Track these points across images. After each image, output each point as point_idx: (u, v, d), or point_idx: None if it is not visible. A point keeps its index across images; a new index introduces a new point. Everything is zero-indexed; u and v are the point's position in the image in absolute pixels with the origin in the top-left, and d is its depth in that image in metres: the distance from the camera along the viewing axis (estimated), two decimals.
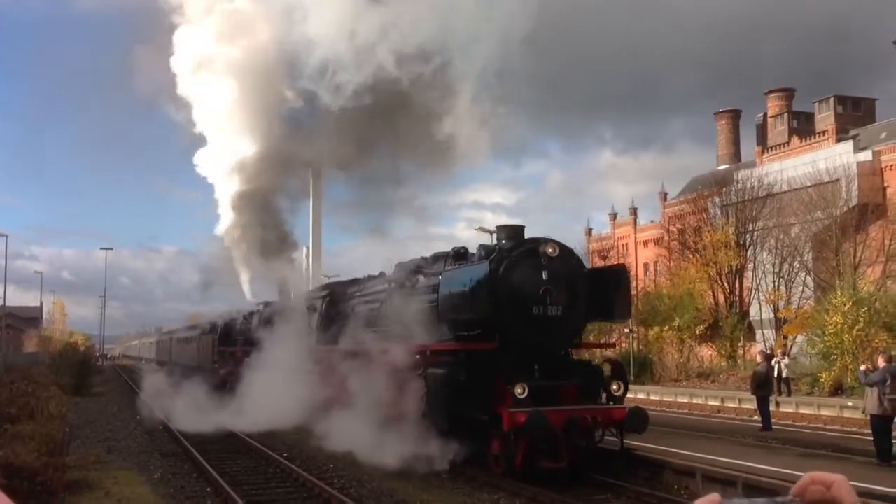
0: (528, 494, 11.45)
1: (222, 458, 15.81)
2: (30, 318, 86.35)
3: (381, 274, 19.57)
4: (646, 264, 66.01)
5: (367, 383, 15.51)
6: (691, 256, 45.98)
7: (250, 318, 29.73)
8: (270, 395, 20.25)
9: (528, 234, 14.74)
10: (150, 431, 20.96)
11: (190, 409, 22.02)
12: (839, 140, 56.11)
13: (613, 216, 76.60)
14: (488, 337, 13.22)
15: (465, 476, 13.21)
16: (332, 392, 17.63)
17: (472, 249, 15.62)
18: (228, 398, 23.22)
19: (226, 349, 31.94)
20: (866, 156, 51.28)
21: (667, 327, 39.06)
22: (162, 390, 27.86)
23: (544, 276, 13.30)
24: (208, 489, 12.88)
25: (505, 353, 13.14)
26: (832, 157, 49.77)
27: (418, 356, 14.67)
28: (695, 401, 28.70)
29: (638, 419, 13.01)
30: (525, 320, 13.24)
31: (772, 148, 64.69)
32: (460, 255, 15.43)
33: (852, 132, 57.60)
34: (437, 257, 16.42)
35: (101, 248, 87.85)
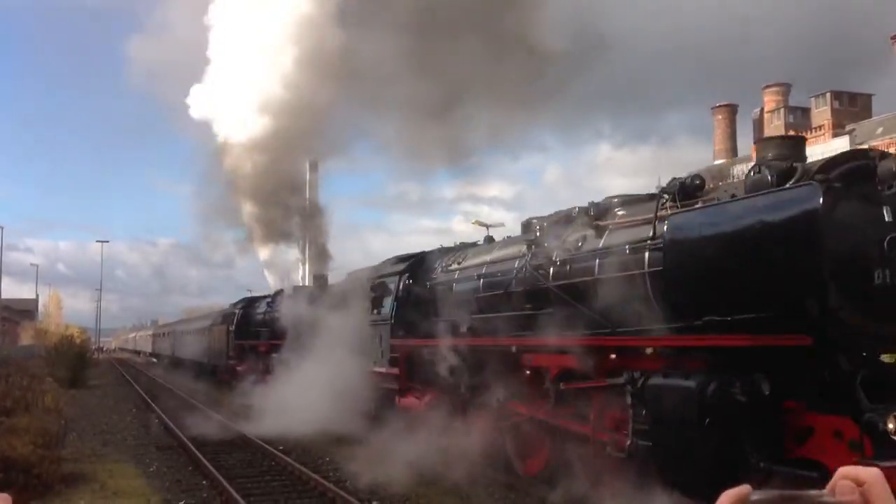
0: (525, 490, 11.42)
1: (218, 451, 15.79)
2: (25, 311, 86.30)
3: (488, 240, 15.23)
4: None
5: (514, 396, 11.58)
6: None
7: (275, 306, 25.52)
8: (332, 404, 16.79)
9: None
10: (146, 424, 20.95)
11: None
12: (835, 135, 56.17)
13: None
14: (782, 327, 7.31)
15: (462, 472, 13.11)
16: (430, 406, 13.98)
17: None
18: (249, 398, 21.39)
19: (244, 342, 28.42)
20: None
21: None
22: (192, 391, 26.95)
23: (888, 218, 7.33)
24: (204, 482, 12.87)
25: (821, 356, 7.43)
26: (828, 152, 49.78)
27: (613, 356, 9.51)
28: None
29: None
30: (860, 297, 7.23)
31: None
32: (691, 190, 9.08)
33: (848, 127, 57.65)
34: (601, 206, 10.63)
35: (97, 241, 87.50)
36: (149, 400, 26.74)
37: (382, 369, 16.31)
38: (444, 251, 16.06)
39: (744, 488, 1.12)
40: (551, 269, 11.08)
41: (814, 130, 60.68)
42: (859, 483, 1.11)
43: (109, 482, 12.64)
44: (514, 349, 11.43)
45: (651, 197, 9.95)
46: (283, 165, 29.16)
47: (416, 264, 16.27)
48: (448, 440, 12.46)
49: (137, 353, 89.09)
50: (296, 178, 31.15)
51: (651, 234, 9.08)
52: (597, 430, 9.58)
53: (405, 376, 15.48)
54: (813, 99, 64.69)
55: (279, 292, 26.79)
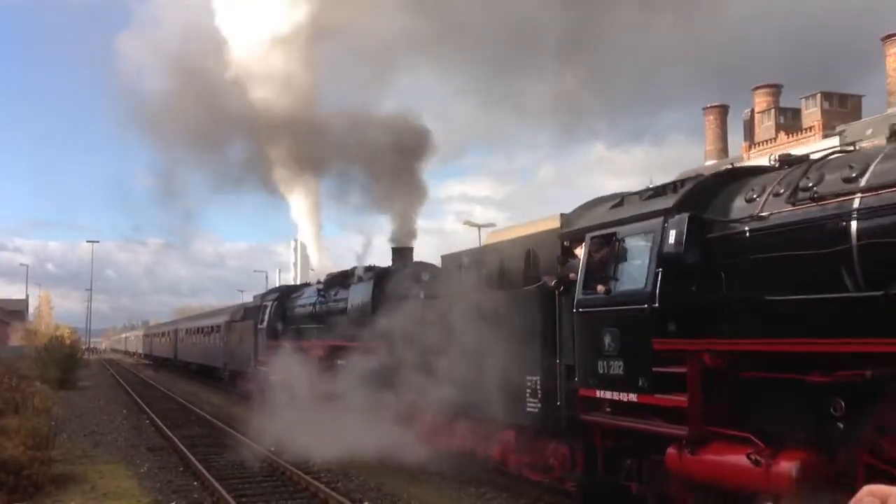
0: (517, 489, 11.48)
1: (209, 452, 15.78)
2: (15, 311, 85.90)
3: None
4: None
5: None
6: None
7: (331, 295, 19.07)
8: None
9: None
10: (137, 426, 20.89)
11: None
12: (825, 136, 56.39)
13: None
14: None
15: (452, 471, 13.23)
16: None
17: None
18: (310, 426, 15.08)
19: (280, 343, 21.22)
20: None
21: None
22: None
23: None
24: (195, 483, 12.87)
25: None
26: (819, 152, 50.07)
27: None
28: None
29: None
30: None
31: (759, 143, 64.97)
32: None
33: (839, 128, 57.88)
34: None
35: (88, 241, 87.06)
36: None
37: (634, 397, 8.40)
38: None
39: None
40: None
41: (804, 131, 60.91)
42: (883, 500, 1.12)
43: (100, 483, 12.64)
44: None
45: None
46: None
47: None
48: None
49: (132, 354, 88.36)
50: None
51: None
52: None
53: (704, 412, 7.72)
54: (803, 100, 64.94)
55: (337, 276, 19.40)
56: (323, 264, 25.95)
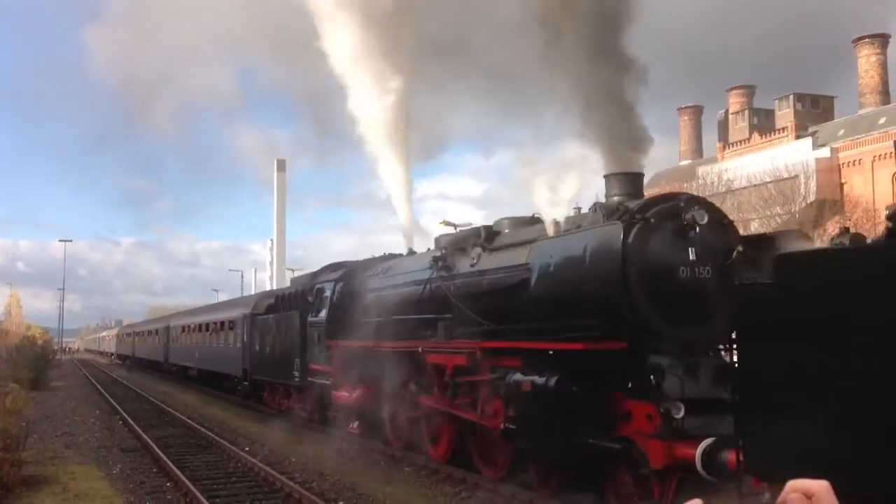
0: (489, 487, 11.51)
1: (182, 452, 15.68)
2: None
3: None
4: None
5: None
6: None
7: (461, 265, 12.70)
8: None
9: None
10: (110, 426, 20.71)
11: None
12: (798, 137, 57.04)
13: (578, 210, 77.11)
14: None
15: (427, 469, 13.26)
16: None
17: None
18: None
19: (350, 344, 15.32)
20: (824, 153, 52.27)
21: None
22: None
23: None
24: (168, 484, 12.77)
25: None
26: (791, 153, 50.63)
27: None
28: None
29: None
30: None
31: (733, 144, 65.61)
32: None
33: (811, 129, 58.60)
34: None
35: (60, 240, 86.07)
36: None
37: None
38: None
39: (695, 502, 1.17)
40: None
41: (777, 132, 61.57)
42: (808, 495, 1.15)
43: (72, 484, 12.51)
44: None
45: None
46: None
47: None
48: None
49: (108, 355, 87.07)
50: None
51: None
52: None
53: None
54: (777, 101, 65.66)
55: (468, 235, 13.24)
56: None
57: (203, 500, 10.97)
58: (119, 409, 24.30)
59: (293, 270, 73.25)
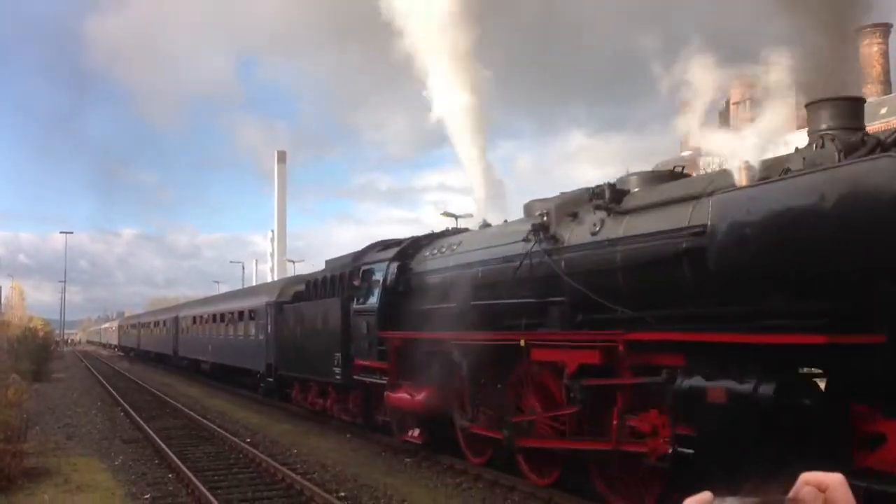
0: (490, 477, 11.52)
1: (184, 444, 15.70)
2: None
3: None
4: None
5: None
6: None
7: (569, 234, 10.00)
8: None
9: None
10: (112, 418, 20.73)
11: None
12: (799, 127, 56.82)
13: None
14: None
15: (428, 461, 13.26)
16: None
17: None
18: None
19: (411, 335, 13.24)
20: None
21: None
22: None
23: None
24: (170, 475, 12.80)
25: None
26: (793, 142, 50.47)
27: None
28: None
29: None
30: None
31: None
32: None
33: None
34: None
35: (61, 232, 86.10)
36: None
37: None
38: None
39: (705, 495, 1.13)
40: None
41: None
42: (822, 489, 1.12)
43: (74, 476, 12.53)
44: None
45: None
46: None
47: None
48: None
49: (112, 346, 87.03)
50: None
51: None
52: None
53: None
54: None
55: (583, 195, 10.23)
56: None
57: (205, 491, 10.99)
58: (121, 400, 24.35)
59: (294, 262, 73.59)
